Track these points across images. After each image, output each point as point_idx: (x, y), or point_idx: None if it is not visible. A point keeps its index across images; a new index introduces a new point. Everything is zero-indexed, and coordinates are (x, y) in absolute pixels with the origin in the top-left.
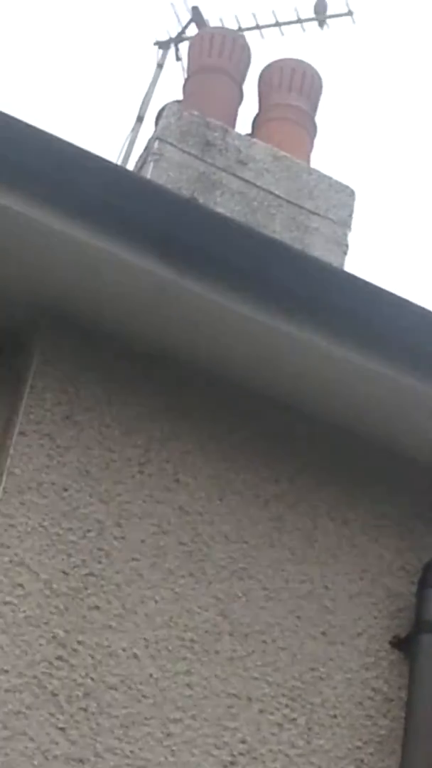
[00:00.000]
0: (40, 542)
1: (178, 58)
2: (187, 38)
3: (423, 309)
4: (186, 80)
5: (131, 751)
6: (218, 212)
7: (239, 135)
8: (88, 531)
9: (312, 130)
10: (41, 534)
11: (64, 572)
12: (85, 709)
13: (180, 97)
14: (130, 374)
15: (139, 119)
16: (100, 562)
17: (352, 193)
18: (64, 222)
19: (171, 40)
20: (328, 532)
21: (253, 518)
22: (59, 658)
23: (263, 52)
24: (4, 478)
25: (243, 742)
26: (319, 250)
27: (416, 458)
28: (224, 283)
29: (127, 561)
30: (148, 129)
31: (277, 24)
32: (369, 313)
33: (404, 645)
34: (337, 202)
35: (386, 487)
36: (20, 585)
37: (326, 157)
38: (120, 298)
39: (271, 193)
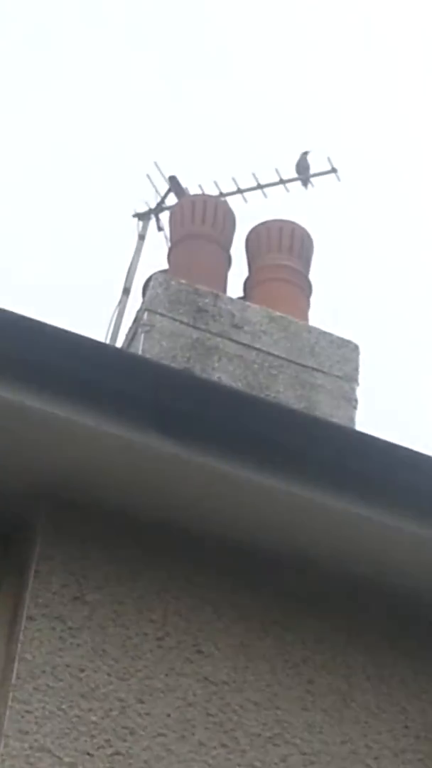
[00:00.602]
0: (60, 726)
1: (159, 228)
2: (166, 208)
3: None
4: (170, 249)
5: None
6: (213, 380)
7: (231, 299)
8: (110, 710)
9: (307, 288)
10: (60, 717)
11: (88, 753)
12: None
13: (165, 266)
14: (138, 549)
15: (126, 292)
16: (125, 741)
17: (355, 348)
18: (56, 405)
19: (151, 210)
20: (364, 690)
21: (284, 683)
22: None
23: (247, 215)
24: (16, 664)
25: None
26: (327, 407)
27: None
28: (226, 450)
29: (154, 737)
30: (135, 301)
31: (259, 186)
32: (384, 471)
33: None
34: (340, 358)
35: (421, 640)
36: None
37: (325, 314)
38: (121, 475)
39: (270, 354)
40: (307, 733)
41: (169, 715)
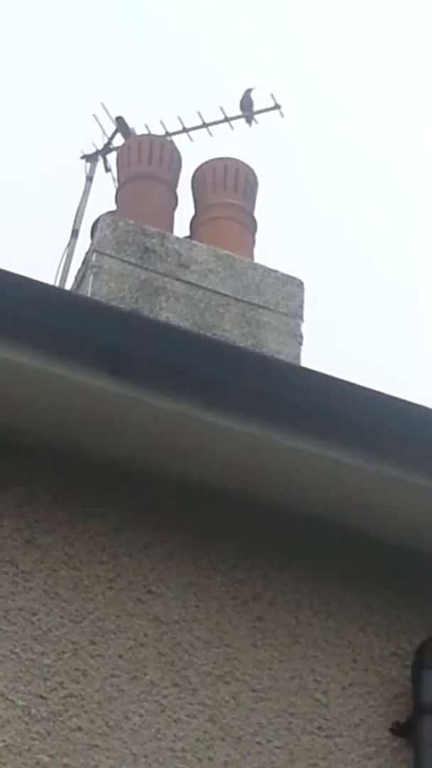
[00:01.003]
0: (13, 669)
1: (107, 170)
2: (114, 149)
3: (387, 397)
4: (117, 190)
5: None
6: (163, 321)
7: (178, 239)
8: (63, 653)
9: (252, 226)
10: (14, 661)
11: (41, 697)
12: None
13: (113, 207)
14: (89, 492)
15: (74, 233)
16: (78, 683)
17: (300, 284)
18: (6, 348)
19: (98, 152)
20: (312, 626)
21: (233, 621)
22: None
23: (193, 153)
24: None
25: None
26: (272, 343)
27: (394, 543)
28: (175, 390)
29: (107, 678)
30: (84, 243)
31: (204, 125)
32: (328, 406)
33: (405, 730)
34: (285, 295)
35: (367, 575)
36: None
37: (270, 251)
38: (71, 417)
39: (217, 292)
40: (257, 670)
41: (121, 656)
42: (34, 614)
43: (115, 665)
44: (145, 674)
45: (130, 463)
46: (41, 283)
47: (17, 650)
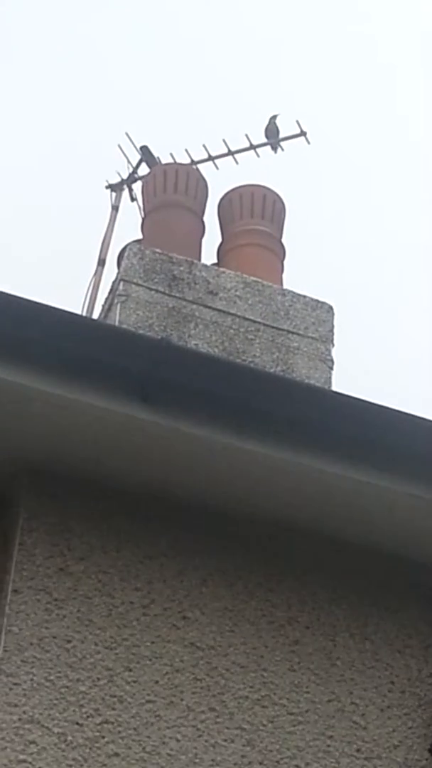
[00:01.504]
0: (48, 697)
1: (132, 199)
2: (139, 178)
3: (415, 418)
4: (143, 219)
5: None
6: (193, 348)
7: (206, 266)
8: (98, 679)
9: (280, 252)
10: (48, 688)
11: (77, 723)
12: None
13: (139, 236)
14: (121, 519)
15: (101, 262)
16: (114, 709)
17: (330, 309)
18: (37, 378)
19: (123, 181)
20: (349, 648)
21: (269, 645)
22: None
23: (219, 181)
24: (3, 637)
25: None
26: (303, 368)
27: (429, 563)
28: (206, 417)
29: (143, 704)
30: (111, 272)
31: (230, 153)
32: (361, 430)
33: None
34: (315, 320)
35: (402, 596)
36: (32, 742)
37: (299, 277)
38: (103, 445)
39: (246, 318)
40: (294, 694)
41: (156, 682)
42: (69, 641)
43: (151, 691)
44: (182, 699)
45: (162, 490)
46: (71, 313)
47: (52, 677)
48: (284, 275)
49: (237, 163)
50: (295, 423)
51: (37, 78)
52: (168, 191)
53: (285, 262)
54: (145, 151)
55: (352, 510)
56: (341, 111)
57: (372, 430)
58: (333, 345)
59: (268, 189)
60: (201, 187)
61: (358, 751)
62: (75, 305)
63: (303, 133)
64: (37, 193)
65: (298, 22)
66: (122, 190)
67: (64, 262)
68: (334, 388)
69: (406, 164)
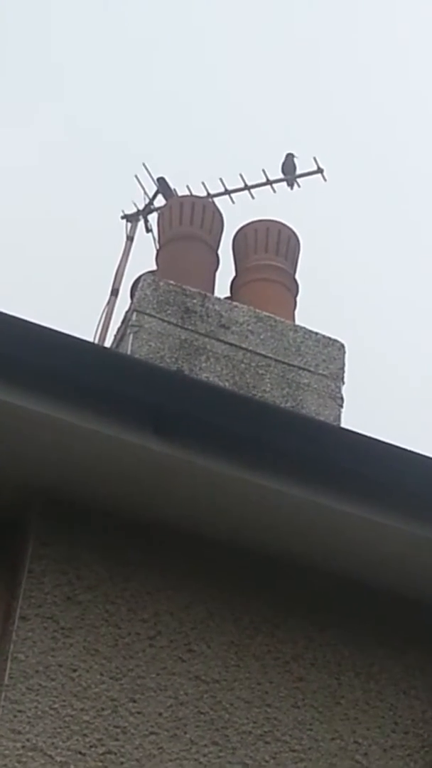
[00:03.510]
0: (52, 725)
1: (148, 230)
2: (155, 209)
3: (426, 458)
4: (158, 250)
5: None
6: (207, 381)
7: (219, 299)
8: (102, 710)
9: (293, 288)
10: (52, 717)
11: (80, 753)
12: None
13: (153, 267)
14: (131, 549)
15: (114, 293)
16: (117, 740)
17: (341, 347)
18: (50, 406)
19: (139, 212)
20: (353, 687)
21: (274, 681)
22: None
23: (235, 215)
24: (9, 664)
25: None
26: (313, 405)
27: None
28: (218, 450)
29: (146, 736)
30: (124, 302)
31: (246, 187)
32: (371, 468)
33: None
34: (326, 357)
35: (409, 637)
36: None
37: (312, 314)
38: (114, 475)
39: (257, 353)
40: (297, 731)
41: (161, 714)
42: (74, 670)
43: (155, 723)
44: (185, 732)
45: (171, 522)
46: (87, 342)
47: (56, 706)
48: (297, 311)
49: (253, 197)
50: (306, 459)
51: (54, 107)
52: (184, 223)
53: (298, 299)
54: (161, 182)
55: (360, 549)
56: (359, 149)
57: (383, 469)
58: (343, 383)
59: (283, 225)
60: (216, 220)
61: None
62: (87, 334)
63: (320, 170)
64: (54, 221)
65: (321, 62)
66: (138, 220)
67: (78, 290)
68: (343, 425)
69: (422, 204)
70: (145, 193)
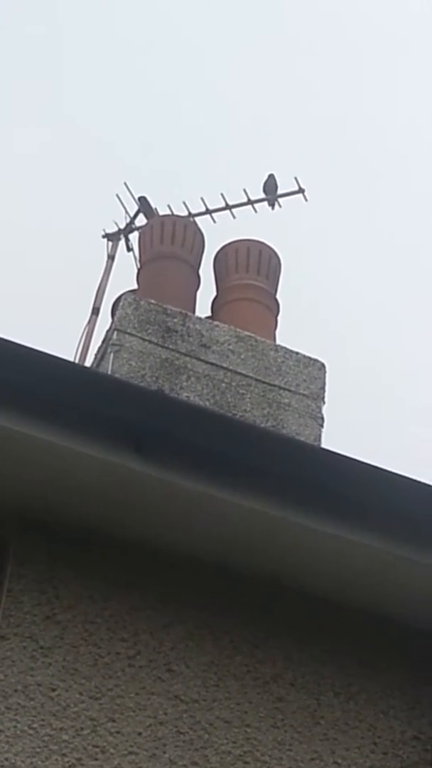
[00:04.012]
0: (31, 745)
1: (129, 249)
2: (136, 228)
3: (406, 479)
4: (139, 269)
5: None
6: (188, 401)
7: (200, 319)
8: (82, 729)
9: (274, 307)
10: (32, 736)
11: None
12: None
13: (134, 286)
14: (110, 569)
15: (95, 311)
16: (96, 759)
17: (322, 367)
18: (31, 425)
19: (120, 231)
20: (333, 707)
21: (253, 701)
22: None
23: (216, 235)
24: None
25: None
26: (293, 425)
27: (416, 626)
28: (199, 470)
29: (125, 755)
30: (104, 321)
31: (228, 207)
32: (351, 488)
33: None
34: (307, 377)
35: (388, 658)
36: None
37: (292, 334)
38: (94, 495)
39: (238, 373)
40: (277, 751)
41: (140, 734)
42: (53, 690)
43: (134, 743)
44: (164, 752)
45: (152, 542)
46: (67, 362)
47: (35, 725)
48: (278, 331)
49: (234, 217)
50: (287, 480)
51: (36, 124)
52: (165, 243)
53: (279, 318)
54: (143, 201)
55: (339, 569)
56: (339, 169)
57: (363, 489)
58: (324, 402)
59: (264, 244)
60: (197, 239)
61: None
62: (68, 352)
63: (301, 190)
64: (33, 240)
65: (304, 81)
66: (119, 239)
67: (58, 309)
68: (324, 446)
69: (405, 225)
70: (126, 212)
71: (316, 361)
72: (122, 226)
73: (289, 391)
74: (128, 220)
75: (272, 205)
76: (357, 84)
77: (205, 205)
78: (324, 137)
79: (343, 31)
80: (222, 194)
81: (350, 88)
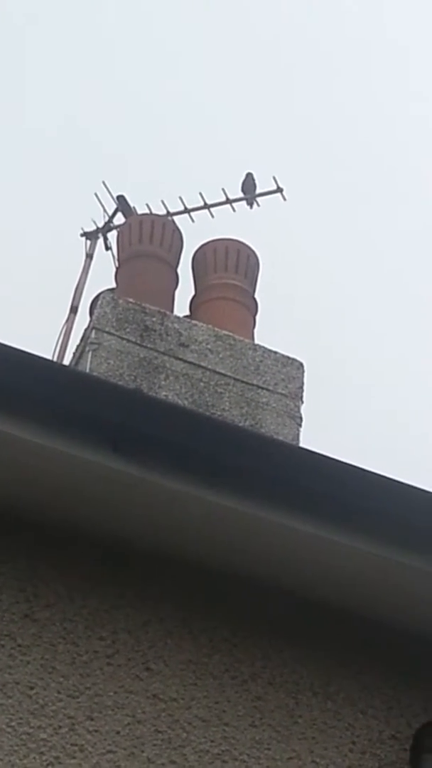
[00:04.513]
0: (9, 743)
1: (107, 248)
2: (114, 227)
3: (386, 479)
4: (117, 268)
5: None
6: (166, 399)
7: (178, 318)
8: (60, 727)
9: (252, 306)
10: (9, 734)
11: None
12: None
13: (112, 285)
14: (89, 567)
15: (73, 310)
16: (74, 758)
17: (300, 366)
18: (8, 424)
19: (98, 229)
20: (311, 707)
21: (232, 700)
22: None
23: (194, 234)
24: None
25: None
26: (271, 424)
27: (394, 626)
28: (177, 468)
29: (103, 754)
30: (83, 319)
31: (206, 206)
32: (329, 488)
33: None
34: (285, 376)
35: (367, 658)
36: None
37: (271, 333)
38: (72, 493)
39: (216, 372)
40: (255, 750)
41: (118, 732)
42: (32, 688)
43: (113, 741)
44: (143, 751)
45: (130, 540)
46: (46, 360)
47: (13, 724)
48: (256, 330)
49: (213, 216)
50: (264, 478)
51: (16, 125)
52: (143, 242)
53: (257, 317)
54: (121, 200)
55: (318, 568)
56: (317, 169)
57: (341, 488)
58: (302, 402)
59: (243, 243)
60: (176, 238)
61: None
62: (46, 351)
63: (279, 190)
64: (11, 238)
65: (281, 80)
66: (97, 238)
67: (37, 307)
68: (302, 445)
69: (382, 225)
70: (105, 210)
71: (294, 360)
72: (101, 224)
73: (268, 390)
74: (106, 218)
75: (251, 204)
76: (333, 83)
77: (184, 204)
78: (301, 136)
79: (316, 29)
80: (200, 193)
81: (326, 87)
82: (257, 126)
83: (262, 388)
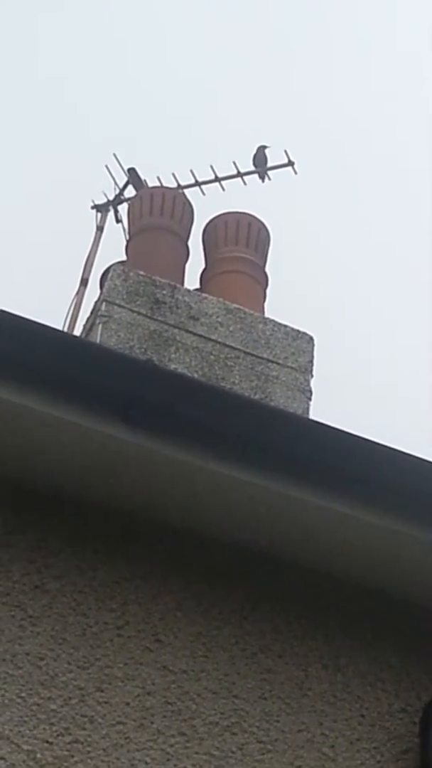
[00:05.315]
0: (19, 714)
1: (118, 220)
2: (125, 200)
3: (396, 451)
4: (128, 241)
5: None
6: (178, 371)
7: (188, 291)
8: (70, 698)
9: (263, 280)
10: (20, 705)
11: (47, 741)
12: None
13: (123, 258)
14: (100, 539)
15: (83, 282)
16: (84, 729)
17: (310, 340)
18: (20, 395)
19: (109, 202)
20: (321, 679)
21: (241, 672)
22: None
23: (205, 207)
24: None
25: None
26: (281, 398)
27: (404, 599)
28: (189, 440)
29: (113, 725)
30: (93, 292)
31: (217, 179)
32: (340, 460)
33: None
34: (295, 350)
35: (377, 631)
36: (1, 758)
37: (281, 306)
38: (84, 465)
39: (226, 345)
40: (264, 722)
41: (128, 704)
42: (41, 659)
43: (122, 713)
44: (152, 722)
45: (141, 512)
46: (56, 330)
47: (23, 694)
48: (266, 304)
49: (224, 190)
50: (276, 451)
51: (26, 97)
52: (154, 214)
53: (268, 291)
54: (132, 173)
55: (328, 541)
56: (329, 142)
57: (352, 461)
58: (312, 375)
59: (254, 217)
60: (187, 211)
61: None
62: (56, 323)
63: (291, 163)
64: (23, 211)
65: (296, 55)
66: (108, 211)
67: (47, 280)
68: (312, 418)
69: (394, 197)
70: (116, 183)
71: (304, 334)
72: (111, 197)
73: (278, 363)
74: (117, 191)
75: (262, 177)
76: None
77: (195, 177)
78: (318, 111)
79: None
80: (211, 166)
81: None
82: (270, 99)
83: (272, 362)
